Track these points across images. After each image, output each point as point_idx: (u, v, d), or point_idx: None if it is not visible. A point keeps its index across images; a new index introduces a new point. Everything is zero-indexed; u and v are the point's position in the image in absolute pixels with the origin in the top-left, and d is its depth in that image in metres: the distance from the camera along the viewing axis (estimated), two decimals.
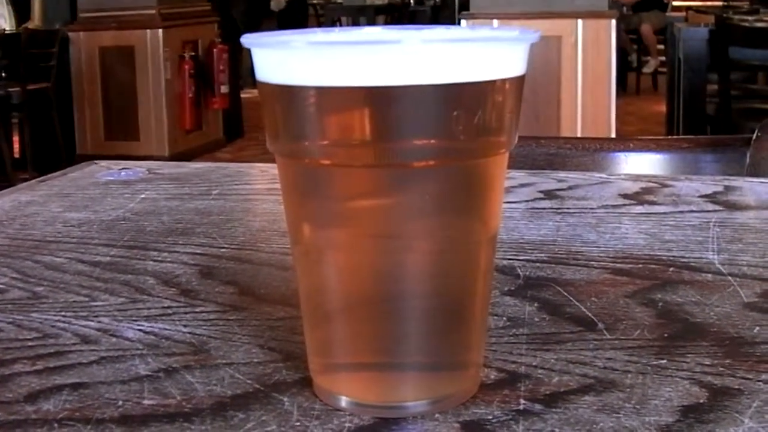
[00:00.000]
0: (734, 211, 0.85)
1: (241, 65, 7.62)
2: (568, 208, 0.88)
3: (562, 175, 1.04)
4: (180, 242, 0.79)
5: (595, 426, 0.45)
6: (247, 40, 0.45)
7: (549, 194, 0.94)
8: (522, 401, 0.48)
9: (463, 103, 0.43)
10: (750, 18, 5.33)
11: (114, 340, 0.58)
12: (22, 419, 0.48)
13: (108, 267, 0.73)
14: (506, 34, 0.47)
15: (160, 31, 6.39)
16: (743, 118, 4.37)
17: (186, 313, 0.62)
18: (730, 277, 0.66)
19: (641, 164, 1.27)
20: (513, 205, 0.89)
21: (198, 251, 0.76)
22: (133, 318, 0.61)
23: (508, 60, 0.45)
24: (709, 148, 1.27)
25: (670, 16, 9.07)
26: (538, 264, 0.71)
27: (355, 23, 10.90)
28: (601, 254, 0.73)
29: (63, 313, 0.63)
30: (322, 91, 0.43)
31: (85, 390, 0.51)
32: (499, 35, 0.49)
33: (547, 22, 4.87)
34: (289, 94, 0.44)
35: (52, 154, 5.99)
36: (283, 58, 0.45)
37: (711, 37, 4.71)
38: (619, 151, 1.28)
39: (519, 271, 0.69)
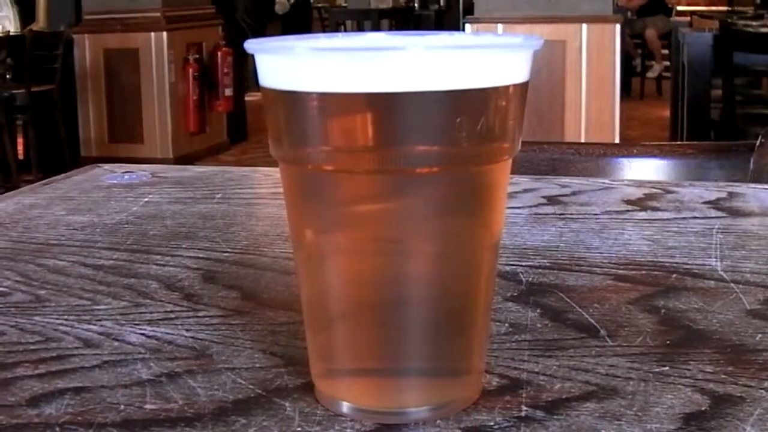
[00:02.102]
0: (738, 218, 0.85)
1: (246, 68, 7.62)
2: (571, 214, 0.88)
3: (565, 180, 1.04)
4: (183, 246, 0.79)
5: None
6: (250, 45, 0.45)
7: (552, 200, 0.94)
8: (524, 408, 0.48)
9: (466, 110, 0.43)
10: (754, 23, 5.33)
11: (116, 344, 0.58)
12: (24, 423, 0.48)
13: (111, 271, 0.73)
14: (509, 40, 0.47)
15: (165, 33, 6.40)
16: (747, 124, 4.37)
17: (188, 317, 0.62)
18: (732, 284, 0.66)
19: (645, 170, 1.27)
20: (516, 211, 0.89)
21: (201, 255, 0.76)
22: (136, 322, 0.61)
23: (511, 67, 0.45)
24: (713, 154, 1.26)
25: (674, 21, 9.07)
26: (540, 270, 0.71)
27: (360, 27, 10.90)
28: (604, 260, 0.73)
29: (65, 317, 0.63)
30: (326, 97, 0.43)
31: (87, 394, 0.51)
32: (503, 42, 0.49)
33: (551, 27, 4.87)
34: (293, 99, 0.44)
35: (56, 156, 6.00)
36: (287, 64, 0.45)
37: (715, 42, 4.71)
38: (623, 156, 1.28)
39: (522, 276, 0.69)
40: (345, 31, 10.80)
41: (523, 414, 0.47)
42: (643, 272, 0.70)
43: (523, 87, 0.46)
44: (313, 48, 0.44)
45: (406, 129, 0.42)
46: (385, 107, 0.42)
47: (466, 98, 0.43)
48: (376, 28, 10.52)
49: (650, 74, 9.97)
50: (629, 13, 9.58)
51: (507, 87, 0.44)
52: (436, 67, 0.42)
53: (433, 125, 0.42)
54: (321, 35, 0.50)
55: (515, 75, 0.45)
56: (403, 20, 11.40)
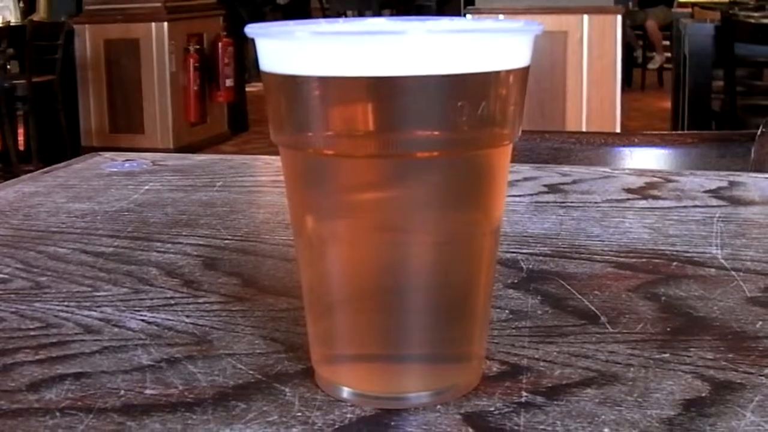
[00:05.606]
0: (738, 207, 0.85)
1: (246, 58, 7.61)
2: (572, 202, 0.88)
3: (566, 169, 1.04)
4: (183, 233, 0.79)
5: (596, 419, 0.45)
6: (251, 30, 0.45)
7: (553, 188, 0.94)
8: (524, 393, 0.48)
9: (466, 94, 0.43)
10: (756, 14, 5.32)
11: (116, 330, 0.58)
12: (25, 408, 0.48)
13: (111, 257, 0.73)
14: (510, 25, 0.47)
15: (166, 24, 6.39)
16: (748, 115, 4.37)
17: (189, 303, 0.62)
18: (733, 272, 0.66)
19: (645, 159, 1.27)
20: (517, 199, 0.89)
21: (201, 242, 0.76)
22: (136, 308, 0.61)
23: (512, 51, 0.44)
24: (714, 143, 1.26)
25: (675, 12, 9.05)
26: (541, 257, 0.71)
27: (361, 16, 10.88)
28: (605, 248, 0.73)
29: (66, 303, 0.63)
30: (326, 81, 0.43)
31: (87, 379, 0.51)
32: (503, 26, 0.49)
33: (553, 18, 4.86)
34: (293, 84, 0.44)
35: (57, 146, 6.00)
36: (287, 48, 0.44)
37: (717, 33, 4.70)
38: (624, 145, 1.28)
39: (522, 264, 0.69)
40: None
41: (523, 400, 0.47)
42: (644, 260, 0.70)
43: (523, 72, 0.46)
44: (314, 32, 0.44)
45: (406, 113, 0.42)
46: (386, 91, 0.42)
47: (467, 82, 0.43)
48: (377, 17, 10.49)
49: (651, 65, 9.95)
50: (630, 4, 9.56)
51: (508, 72, 0.44)
52: (436, 51, 0.42)
53: (433, 109, 0.42)
54: (322, 20, 0.50)
55: (516, 60, 0.45)
56: (404, 10, 11.38)
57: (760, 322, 0.57)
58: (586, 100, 4.98)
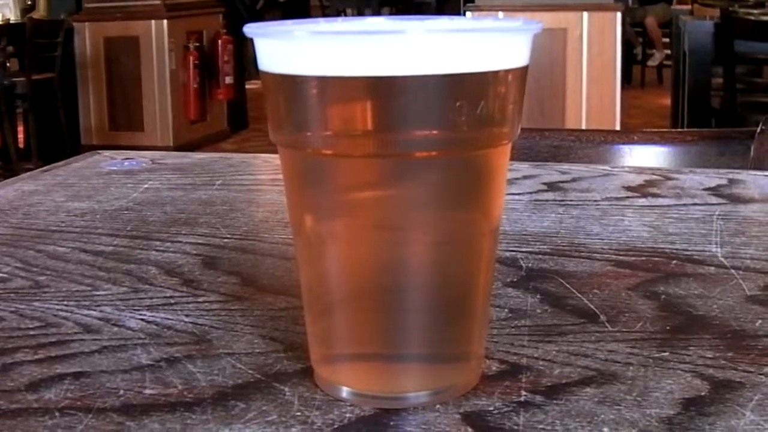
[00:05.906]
0: (738, 204, 0.85)
1: (246, 56, 7.61)
2: (571, 201, 0.88)
3: (565, 167, 1.04)
4: (183, 232, 0.79)
5: (596, 418, 0.45)
6: (250, 29, 0.45)
7: (552, 186, 0.94)
8: (523, 393, 0.48)
9: (465, 94, 0.43)
10: (755, 11, 5.31)
11: (116, 329, 0.58)
12: (24, 408, 0.48)
13: (111, 257, 0.73)
14: (509, 24, 0.47)
15: (165, 21, 6.39)
16: (748, 112, 4.37)
17: (188, 302, 0.62)
18: (733, 270, 0.66)
19: (645, 157, 1.27)
20: (516, 197, 0.89)
21: (201, 241, 0.76)
22: (136, 307, 0.61)
23: (511, 50, 0.44)
24: (714, 141, 1.26)
25: (675, 9, 9.04)
26: (540, 256, 0.71)
27: (360, 14, 10.88)
28: (604, 246, 0.73)
29: (65, 303, 0.63)
30: (325, 81, 0.43)
31: (87, 379, 0.51)
32: (502, 26, 0.49)
33: (552, 15, 4.86)
34: (292, 83, 0.44)
35: (57, 144, 6.00)
36: (286, 48, 0.44)
37: (716, 31, 4.70)
38: (623, 143, 1.27)
39: (521, 262, 0.69)
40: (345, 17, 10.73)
41: (522, 399, 0.47)
42: (643, 258, 0.70)
43: (522, 71, 0.46)
44: (313, 31, 0.44)
45: (405, 113, 0.42)
46: (385, 91, 0.42)
47: (466, 82, 0.43)
48: (377, 15, 10.48)
49: (651, 63, 9.95)
50: (630, 1, 9.55)
51: (506, 71, 0.44)
52: (435, 50, 0.42)
53: (432, 109, 0.42)
54: (320, 19, 0.50)
55: (515, 59, 0.45)
56: (404, 8, 11.37)
57: (760, 321, 0.57)
58: (586, 97, 4.98)
